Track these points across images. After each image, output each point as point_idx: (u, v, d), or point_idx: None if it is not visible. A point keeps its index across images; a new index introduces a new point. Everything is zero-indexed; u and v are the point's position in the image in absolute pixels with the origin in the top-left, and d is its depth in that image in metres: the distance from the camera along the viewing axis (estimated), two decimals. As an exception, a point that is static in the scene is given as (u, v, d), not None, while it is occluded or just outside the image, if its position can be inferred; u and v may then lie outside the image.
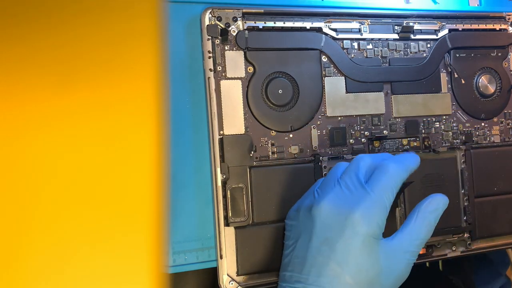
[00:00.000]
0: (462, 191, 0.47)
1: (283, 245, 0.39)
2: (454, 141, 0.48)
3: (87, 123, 0.20)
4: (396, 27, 0.46)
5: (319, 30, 0.44)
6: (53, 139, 0.19)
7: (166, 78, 0.22)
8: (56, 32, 0.20)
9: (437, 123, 0.48)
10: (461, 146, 0.47)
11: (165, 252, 0.22)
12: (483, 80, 0.49)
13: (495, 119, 0.50)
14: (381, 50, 0.46)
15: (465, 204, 0.47)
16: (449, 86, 0.48)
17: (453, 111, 0.48)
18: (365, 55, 0.45)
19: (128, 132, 0.21)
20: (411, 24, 0.46)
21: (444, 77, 0.48)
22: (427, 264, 0.46)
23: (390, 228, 0.44)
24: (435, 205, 0.37)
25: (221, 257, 0.40)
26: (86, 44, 0.20)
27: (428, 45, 0.48)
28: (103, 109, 0.20)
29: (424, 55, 0.47)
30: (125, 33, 0.21)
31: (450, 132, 0.48)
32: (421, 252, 0.45)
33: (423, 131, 0.47)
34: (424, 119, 0.47)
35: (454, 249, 0.47)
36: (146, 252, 0.21)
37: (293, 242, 0.37)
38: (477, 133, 0.49)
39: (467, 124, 0.49)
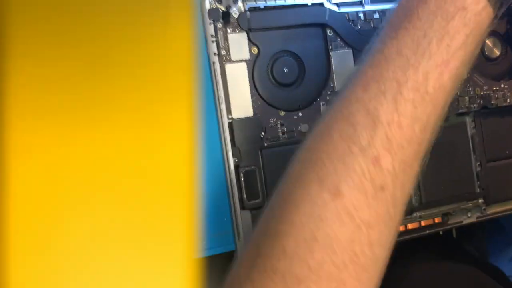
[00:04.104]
0: (474, 157, 0.46)
1: None
2: (471, 105, 0.47)
3: (123, 116, 0.20)
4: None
5: (321, 5, 0.43)
6: (91, 129, 0.20)
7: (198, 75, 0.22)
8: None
9: (452, 89, 0.46)
10: (480, 110, 0.46)
11: (199, 238, 0.22)
12: (488, 43, 0.48)
13: (514, 79, 0.49)
14: (388, 19, 0.45)
15: (478, 169, 0.46)
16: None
17: (468, 75, 0.47)
18: (372, 25, 0.44)
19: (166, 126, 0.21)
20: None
21: (457, 40, 0.47)
22: (441, 232, 0.45)
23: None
24: None
25: (239, 240, 0.40)
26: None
27: (438, 9, 0.46)
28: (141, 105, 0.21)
29: (434, 19, 0.46)
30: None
31: (466, 97, 0.47)
32: (436, 221, 0.45)
33: (437, 98, 0.46)
34: (438, 86, 0.46)
35: (469, 215, 0.47)
36: (182, 239, 0.21)
37: None
38: (496, 95, 0.48)
39: (485, 87, 0.48)
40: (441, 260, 0.49)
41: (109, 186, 0.20)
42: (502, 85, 0.48)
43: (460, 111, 0.46)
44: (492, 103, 0.48)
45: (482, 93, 0.47)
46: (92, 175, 0.20)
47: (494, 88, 0.48)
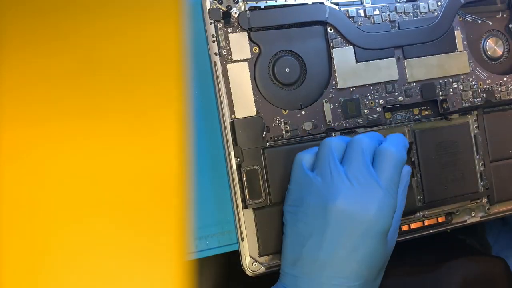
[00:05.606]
0: (477, 156, 0.46)
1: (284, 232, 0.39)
2: (475, 100, 0.47)
3: (116, 112, 0.20)
4: (399, -6, 0.45)
5: (321, 4, 0.43)
6: (85, 128, 0.20)
7: (188, 71, 0.22)
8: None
9: (455, 83, 0.46)
10: (483, 108, 0.46)
11: (190, 239, 0.22)
12: (490, 43, 0.48)
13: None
14: (388, 15, 0.44)
15: (481, 169, 0.46)
16: (465, 43, 0.47)
17: (471, 69, 0.47)
18: (372, 22, 0.44)
19: (155, 125, 0.21)
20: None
21: (459, 35, 0.46)
22: (448, 230, 0.45)
23: (409, 198, 0.44)
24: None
25: (242, 240, 0.40)
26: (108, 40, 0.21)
27: (439, 3, 0.46)
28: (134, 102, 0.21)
29: (436, 14, 0.46)
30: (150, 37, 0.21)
31: (469, 91, 0.47)
32: (440, 220, 0.45)
33: (440, 93, 0.46)
34: (441, 81, 0.46)
35: (473, 214, 0.46)
36: (172, 240, 0.21)
37: (300, 238, 0.37)
38: (499, 89, 0.48)
39: (488, 81, 0.47)
40: (444, 254, 0.50)
41: (97, 190, 0.20)
42: (505, 79, 0.48)
43: (464, 105, 0.46)
44: (496, 97, 0.47)
45: (485, 87, 0.47)
46: (82, 178, 0.20)
47: (497, 82, 0.48)
